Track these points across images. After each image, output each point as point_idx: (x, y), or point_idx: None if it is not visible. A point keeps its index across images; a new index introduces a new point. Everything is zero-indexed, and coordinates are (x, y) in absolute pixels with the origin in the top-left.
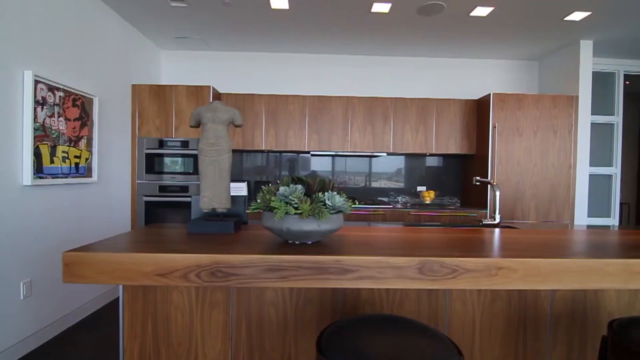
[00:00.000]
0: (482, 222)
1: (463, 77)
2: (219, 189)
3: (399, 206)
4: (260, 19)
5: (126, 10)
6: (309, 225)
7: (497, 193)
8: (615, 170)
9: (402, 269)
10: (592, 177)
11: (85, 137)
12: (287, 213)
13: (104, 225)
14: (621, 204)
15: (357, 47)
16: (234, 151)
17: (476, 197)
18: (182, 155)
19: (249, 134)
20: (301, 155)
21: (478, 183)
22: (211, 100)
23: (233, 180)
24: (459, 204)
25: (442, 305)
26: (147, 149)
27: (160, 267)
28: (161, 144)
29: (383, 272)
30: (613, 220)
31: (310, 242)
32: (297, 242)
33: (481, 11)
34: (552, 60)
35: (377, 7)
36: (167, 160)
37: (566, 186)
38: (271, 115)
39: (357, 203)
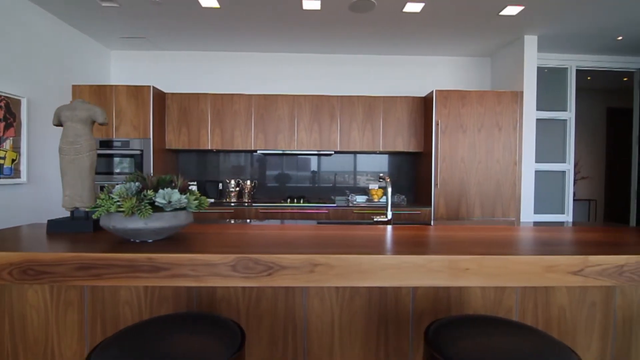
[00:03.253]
0: (373, 219)
1: (416, 75)
2: (80, 188)
3: (343, 204)
4: (192, 18)
5: (59, 11)
6: (135, 224)
7: (389, 190)
8: (568, 166)
9: (216, 266)
10: (546, 174)
11: (10, 138)
12: (107, 211)
13: None
14: (589, 200)
15: (299, 46)
16: (180, 151)
17: (426, 195)
18: (123, 156)
19: (195, 133)
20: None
21: (381, 180)
22: (151, 100)
23: None
24: (405, 202)
25: (299, 303)
26: None
27: None
28: (102, 144)
29: (197, 269)
30: (567, 217)
31: (151, 241)
32: (137, 241)
33: (413, 7)
34: (501, 56)
35: (308, 5)
36: (107, 160)
37: (512, 183)
38: (217, 114)
39: (301, 202)
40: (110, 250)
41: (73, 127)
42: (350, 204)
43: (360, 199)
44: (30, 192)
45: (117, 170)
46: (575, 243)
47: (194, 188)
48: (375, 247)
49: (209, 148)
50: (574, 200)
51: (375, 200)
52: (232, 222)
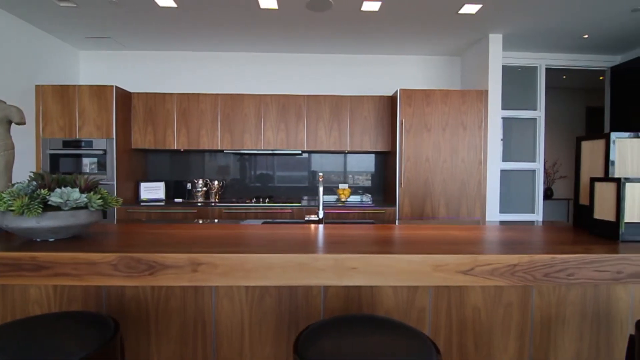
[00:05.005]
0: (305, 218)
1: (386, 74)
2: None
3: (313, 204)
4: (151, 17)
5: (20, 12)
6: (28, 222)
7: (321, 189)
8: (538, 165)
9: (97, 265)
10: (516, 173)
11: None
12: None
13: None
14: (568, 200)
15: (263, 45)
16: (149, 151)
17: (394, 195)
18: (87, 156)
19: (161, 133)
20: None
21: (321, 178)
22: (114, 99)
23: (149, 181)
24: (371, 202)
25: (208, 303)
26: (51, 149)
27: None
28: (64, 144)
29: (78, 268)
30: (537, 216)
31: (52, 240)
32: (38, 240)
33: (370, 6)
34: (470, 55)
35: (265, 3)
36: (71, 160)
37: (477, 182)
38: (182, 114)
39: (266, 201)
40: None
41: None
42: (306, 203)
43: (329, 198)
44: None
45: (84, 170)
46: (490, 242)
47: (162, 186)
48: (275, 246)
49: (175, 148)
50: (551, 199)
51: (343, 199)
52: (197, 221)
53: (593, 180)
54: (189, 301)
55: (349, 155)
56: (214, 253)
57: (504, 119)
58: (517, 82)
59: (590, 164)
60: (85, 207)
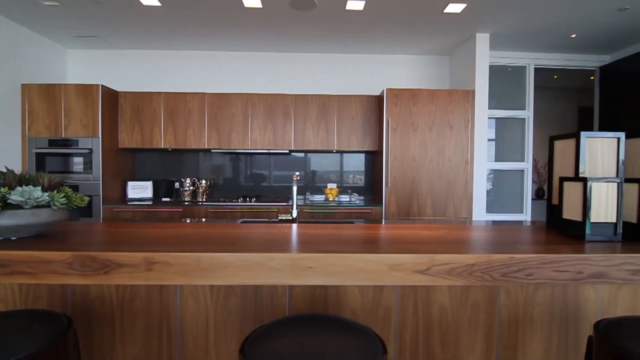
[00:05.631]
0: (279, 217)
1: (374, 73)
2: None
3: (299, 204)
4: (136, 16)
5: (5, 11)
6: None
7: (294, 188)
8: (526, 165)
9: (52, 263)
10: (505, 173)
11: None
12: None
13: None
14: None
15: (249, 44)
16: (134, 150)
17: (381, 194)
18: (72, 155)
19: (148, 132)
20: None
21: (297, 178)
22: (100, 98)
23: (137, 180)
24: (358, 201)
25: (173, 302)
26: (36, 148)
27: None
28: (51, 143)
29: (34, 266)
30: (525, 216)
31: (14, 238)
32: (1, 238)
33: (355, 5)
34: (458, 54)
35: (249, 2)
36: (57, 159)
37: (464, 182)
38: (170, 113)
39: (252, 201)
40: None
41: None
42: (307, 202)
43: (318, 198)
44: None
45: (70, 169)
46: (454, 242)
47: (149, 185)
48: (238, 245)
49: (162, 147)
50: (543, 199)
51: (331, 199)
52: (186, 220)
53: (562, 179)
54: (154, 300)
55: (339, 155)
56: (169, 252)
57: (498, 119)
58: (506, 81)
59: (562, 163)
60: (48, 205)
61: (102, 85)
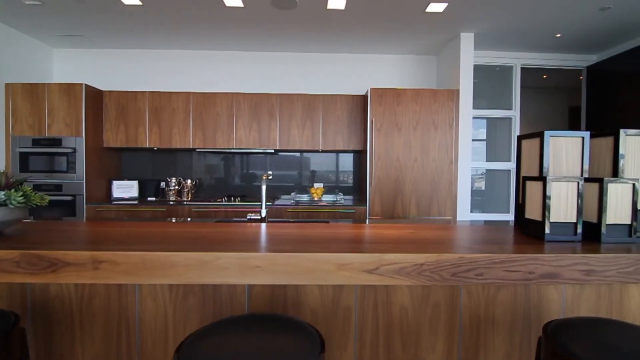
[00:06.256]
0: (247, 217)
1: (361, 73)
2: None
3: (287, 203)
4: (118, 15)
5: None
6: None
7: (263, 187)
8: (512, 165)
9: (1, 262)
10: (492, 173)
11: None
12: None
13: None
14: None
15: (232, 44)
16: (120, 149)
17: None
18: (56, 154)
19: (132, 131)
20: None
21: (270, 177)
22: (83, 97)
23: (121, 179)
24: (342, 201)
25: (132, 301)
26: (20, 147)
27: None
28: (35, 142)
29: None
30: (511, 216)
31: None
32: None
33: (336, 4)
34: (445, 54)
35: (230, 2)
36: (41, 158)
37: (448, 181)
38: (154, 112)
39: (237, 200)
40: None
41: None
42: (292, 202)
43: (305, 197)
44: None
45: (53, 169)
46: (412, 241)
47: (135, 184)
48: (196, 244)
49: (147, 146)
50: None
51: (316, 199)
52: (172, 220)
53: (524, 179)
54: (113, 299)
55: (329, 155)
56: (116, 251)
57: (489, 119)
58: (493, 81)
59: (529, 163)
60: (5, 204)
61: (85, 85)
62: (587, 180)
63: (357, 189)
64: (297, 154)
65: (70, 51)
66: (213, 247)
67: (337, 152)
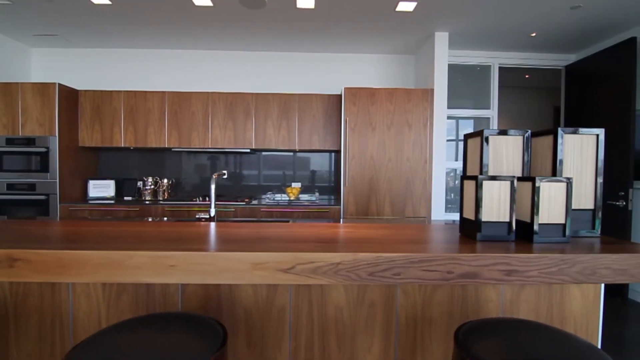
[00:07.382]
0: (197, 216)
1: (338, 72)
2: None
3: (268, 202)
4: (87, 14)
5: None
6: None
7: (212, 186)
8: None
9: None
10: None
11: None
12: None
13: None
14: None
15: (206, 43)
16: (97, 149)
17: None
18: (30, 153)
19: (108, 130)
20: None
21: (224, 176)
22: (57, 97)
23: (98, 178)
24: (318, 200)
25: (65, 300)
26: None
27: None
28: (8, 142)
29: None
30: None
31: None
32: None
33: (305, 3)
34: (421, 53)
35: (199, 1)
36: (14, 158)
37: (422, 181)
38: (130, 111)
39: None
40: None
41: None
42: (268, 202)
43: (281, 197)
44: None
45: (27, 168)
46: (343, 240)
47: (112, 184)
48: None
49: (122, 145)
50: None
51: (292, 198)
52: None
53: (462, 178)
54: (47, 298)
55: (307, 155)
56: (31, 249)
57: (475, 119)
58: (474, 81)
59: (472, 162)
60: None
61: (59, 84)
62: (520, 179)
63: (335, 189)
64: (277, 154)
65: (48, 50)
66: (130, 245)
67: (314, 151)
